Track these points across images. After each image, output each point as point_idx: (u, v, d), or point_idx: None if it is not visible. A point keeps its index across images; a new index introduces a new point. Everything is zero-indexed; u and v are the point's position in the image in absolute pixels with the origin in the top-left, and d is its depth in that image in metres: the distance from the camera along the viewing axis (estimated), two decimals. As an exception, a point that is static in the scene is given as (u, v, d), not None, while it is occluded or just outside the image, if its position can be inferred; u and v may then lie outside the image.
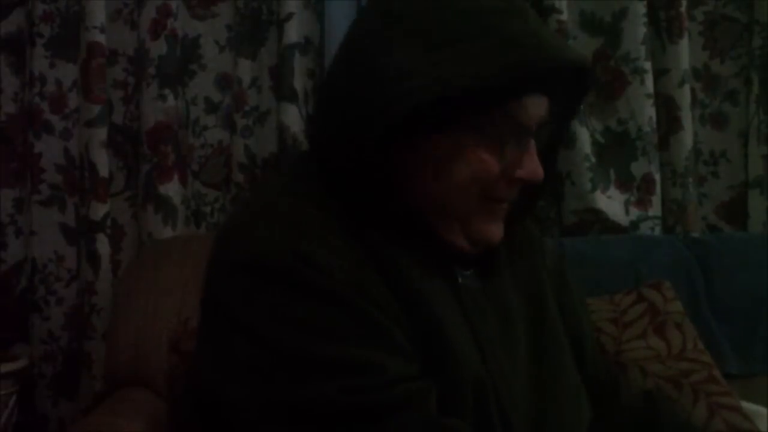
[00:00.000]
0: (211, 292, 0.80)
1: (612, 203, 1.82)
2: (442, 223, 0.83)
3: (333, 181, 0.81)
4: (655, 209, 1.81)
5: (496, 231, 0.84)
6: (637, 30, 1.79)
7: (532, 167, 0.81)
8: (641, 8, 1.79)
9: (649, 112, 1.79)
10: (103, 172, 1.71)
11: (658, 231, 1.81)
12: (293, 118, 1.73)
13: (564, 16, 1.76)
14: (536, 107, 0.80)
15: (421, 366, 0.77)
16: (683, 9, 1.81)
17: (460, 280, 0.85)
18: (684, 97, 1.81)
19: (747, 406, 1.32)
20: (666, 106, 1.82)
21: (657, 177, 1.81)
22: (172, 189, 1.74)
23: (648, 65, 1.79)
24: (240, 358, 0.74)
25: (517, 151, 0.80)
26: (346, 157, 0.78)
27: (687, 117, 1.81)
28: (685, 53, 1.81)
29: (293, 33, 1.73)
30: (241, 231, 0.79)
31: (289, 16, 1.73)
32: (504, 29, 0.76)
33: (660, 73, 1.82)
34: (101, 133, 1.71)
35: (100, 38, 1.71)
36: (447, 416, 0.76)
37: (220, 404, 0.77)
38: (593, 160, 1.81)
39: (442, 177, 0.80)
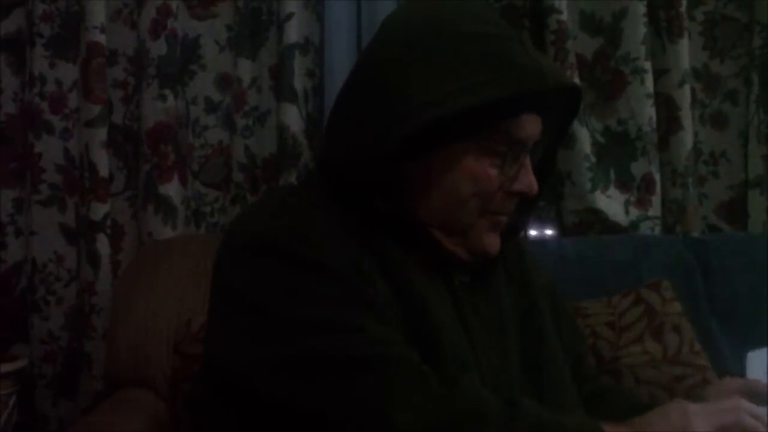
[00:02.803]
0: (216, 276, 0.87)
1: (612, 203, 1.82)
2: (443, 234, 0.88)
3: (340, 190, 0.87)
4: (655, 209, 1.81)
5: (494, 243, 0.90)
6: (637, 30, 1.79)
7: (528, 181, 0.87)
8: (641, 8, 1.79)
9: (649, 112, 1.79)
10: (103, 172, 1.71)
11: (658, 231, 1.81)
12: (293, 118, 1.74)
13: (564, 16, 1.76)
14: (532, 125, 0.87)
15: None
16: (683, 9, 1.81)
17: (456, 283, 0.89)
18: (684, 97, 1.81)
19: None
20: (666, 106, 1.82)
21: (657, 177, 1.81)
22: (172, 189, 1.74)
23: (648, 65, 1.79)
24: (238, 327, 0.81)
25: (514, 167, 0.86)
26: (358, 169, 0.84)
27: (687, 117, 1.81)
28: (685, 53, 1.81)
29: (293, 33, 1.73)
30: (245, 222, 0.89)
31: (289, 16, 1.73)
32: (507, 54, 0.83)
33: (660, 73, 1.82)
34: (101, 133, 1.71)
35: (100, 38, 1.70)
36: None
37: (226, 373, 0.83)
38: (593, 160, 1.81)
39: (445, 190, 0.86)
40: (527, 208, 0.95)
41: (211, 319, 0.88)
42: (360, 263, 0.81)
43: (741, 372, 1.53)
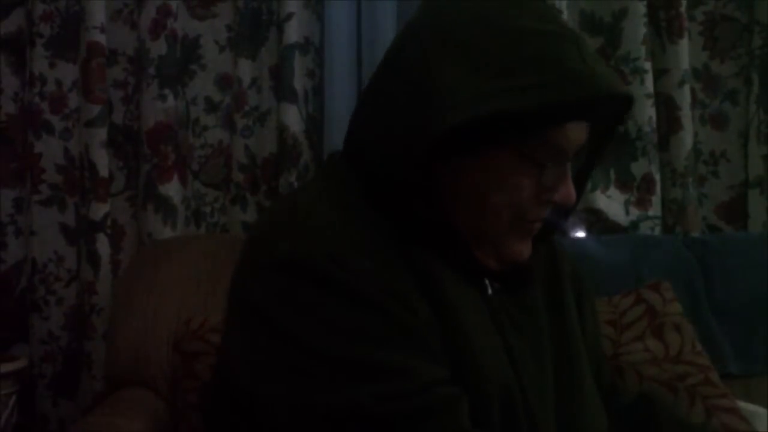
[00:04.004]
0: (244, 292, 0.81)
1: (612, 203, 1.82)
2: (474, 241, 0.84)
3: (371, 190, 0.82)
4: (655, 209, 1.81)
5: (524, 250, 0.85)
6: (637, 30, 1.79)
7: (567, 192, 0.82)
8: (641, 8, 1.79)
9: (649, 112, 1.79)
10: (103, 172, 1.71)
11: (658, 231, 1.81)
12: (293, 118, 1.74)
13: (564, 16, 1.76)
14: (577, 133, 0.81)
15: (450, 373, 0.77)
16: (683, 9, 1.81)
17: (490, 291, 0.86)
18: (684, 97, 1.81)
19: (745, 406, 1.32)
20: (666, 106, 1.82)
21: (657, 177, 1.81)
22: (172, 189, 1.74)
23: (648, 65, 1.79)
24: (272, 358, 0.75)
25: (553, 176, 0.80)
26: (389, 169, 0.79)
27: (687, 117, 1.81)
28: (685, 53, 1.81)
29: (293, 33, 1.73)
30: (277, 233, 0.80)
31: (289, 16, 1.73)
32: (559, 56, 0.76)
33: (660, 73, 1.82)
34: (101, 133, 1.71)
35: (100, 38, 1.70)
36: (477, 426, 0.76)
37: (253, 403, 0.78)
38: (593, 160, 1.81)
39: (478, 200, 0.81)
40: (563, 211, 0.89)
41: (231, 338, 0.83)
42: (401, 285, 0.76)
43: (741, 372, 1.54)
